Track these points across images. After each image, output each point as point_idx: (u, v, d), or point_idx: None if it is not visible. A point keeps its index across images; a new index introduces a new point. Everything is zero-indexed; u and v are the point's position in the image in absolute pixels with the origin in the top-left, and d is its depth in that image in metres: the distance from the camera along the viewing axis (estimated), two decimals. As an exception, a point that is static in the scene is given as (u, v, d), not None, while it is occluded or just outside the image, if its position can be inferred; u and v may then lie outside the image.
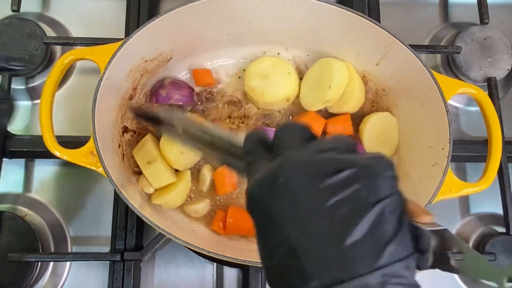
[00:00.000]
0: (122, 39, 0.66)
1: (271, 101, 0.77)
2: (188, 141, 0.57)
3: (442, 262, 0.34)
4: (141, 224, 0.75)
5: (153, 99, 0.76)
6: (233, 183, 0.74)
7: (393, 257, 0.30)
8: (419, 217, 0.33)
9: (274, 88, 0.76)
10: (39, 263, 0.73)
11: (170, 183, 0.72)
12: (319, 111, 0.77)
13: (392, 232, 0.31)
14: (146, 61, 0.72)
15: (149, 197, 0.73)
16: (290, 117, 0.80)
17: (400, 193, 0.33)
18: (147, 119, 0.65)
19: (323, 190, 0.31)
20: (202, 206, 0.72)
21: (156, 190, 0.72)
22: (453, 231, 0.81)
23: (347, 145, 0.35)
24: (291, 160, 0.34)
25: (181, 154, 0.71)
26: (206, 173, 0.75)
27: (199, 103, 0.79)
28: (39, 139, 0.67)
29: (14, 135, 0.78)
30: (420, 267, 0.34)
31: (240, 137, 0.46)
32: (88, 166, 0.63)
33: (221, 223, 0.72)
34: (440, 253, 0.34)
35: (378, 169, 0.32)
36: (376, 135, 0.76)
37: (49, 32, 0.86)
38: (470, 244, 0.79)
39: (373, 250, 0.30)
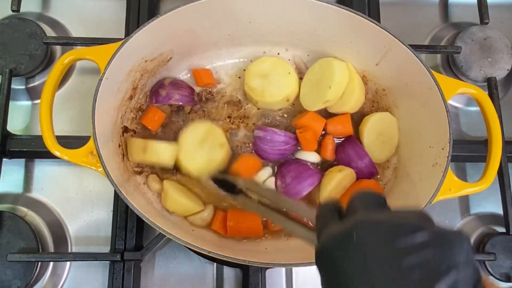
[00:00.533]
0: (122, 39, 0.66)
1: (271, 101, 0.77)
2: (262, 211, 0.61)
3: None
4: (141, 224, 0.75)
5: (153, 99, 0.76)
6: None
7: None
8: None
9: (274, 88, 0.76)
10: (39, 263, 0.73)
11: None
12: (319, 111, 0.77)
13: None
14: (146, 61, 0.72)
15: (152, 196, 0.73)
16: (285, 115, 0.80)
17: (476, 266, 0.33)
18: (224, 186, 0.66)
19: (397, 250, 0.31)
20: (207, 213, 0.72)
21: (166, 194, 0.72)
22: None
23: (423, 215, 0.35)
24: (366, 219, 0.34)
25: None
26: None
27: (199, 103, 0.79)
28: (39, 139, 0.67)
29: (14, 135, 0.78)
30: None
31: (308, 206, 0.50)
32: (88, 166, 0.63)
33: (221, 224, 0.72)
34: None
35: (454, 237, 0.32)
36: (376, 135, 0.75)
37: (49, 32, 0.86)
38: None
39: None
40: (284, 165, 0.75)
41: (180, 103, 0.76)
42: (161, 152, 0.71)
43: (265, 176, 0.75)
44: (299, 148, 0.77)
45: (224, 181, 0.66)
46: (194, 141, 0.72)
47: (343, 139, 0.78)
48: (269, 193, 0.62)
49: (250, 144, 0.78)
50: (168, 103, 0.76)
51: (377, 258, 0.31)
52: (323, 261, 0.35)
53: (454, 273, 0.30)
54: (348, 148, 0.75)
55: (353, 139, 0.76)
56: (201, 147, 0.72)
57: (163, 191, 0.72)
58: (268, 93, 0.76)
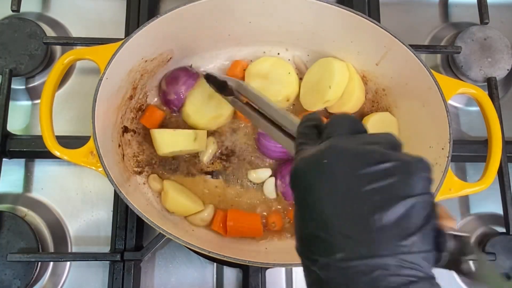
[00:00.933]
0: (122, 39, 0.66)
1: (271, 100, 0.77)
2: (247, 112, 0.65)
3: (455, 265, 0.37)
4: (141, 224, 0.75)
5: (171, 108, 0.77)
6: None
7: (414, 247, 0.33)
8: (444, 220, 0.36)
9: (274, 88, 0.76)
10: (39, 263, 0.73)
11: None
12: (319, 111, 0.77)
13: (418, 226, 0.34)
14: (146, 61, 0.72)
15: (152, 196, 0.73)
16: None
17: (432, 195, 0.36)
18: (216, 84, 0.70)
19: (362, 176, 0.34)
20: (207, 213, 0.72)
21: (167, 194, 0.72)
22: (453, 231, 0.81)
23: (392, 142, 0.38)
24: (338, 145, 0.37)
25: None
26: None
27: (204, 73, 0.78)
28: (39, 139, 0.67)
29: (14, 135, 0.78)
30: (435, 265, 0.37)
31: (293, 117, 0.53)
32: (88, 166, 0.63)
33: (221, 224, 0.72)
34: (456, 257, 0.36)
35: (415, 168, 0.35)
36: None
37: (49, 32, 0.86)
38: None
39: (397, 237, 0.33)
40: (284, 165, 0.75)
41: (191, 88, 0.76)
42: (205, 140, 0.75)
43: (266, 176, 0.75)
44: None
45: (216, 80, 0.70)
46: (202, 97, 0.76)
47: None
48: (257, 98, 0.63)
49: (250, 144, 0.78)
50: (185, 98, 0.76)
51: (343, 183, 0.34)
52: (296, 181, 0.38)
53: (412, 199, 0.33)
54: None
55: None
56: (208, 103, 0.75)
57: (163, 191, 0.72)
58: (268, 93, 0.76)
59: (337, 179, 0.35)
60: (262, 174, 0.75)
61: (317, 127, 0.44)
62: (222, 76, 0.70)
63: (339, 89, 0.74)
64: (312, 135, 0.43)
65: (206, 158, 0.76)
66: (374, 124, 0.76)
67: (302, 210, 0.37)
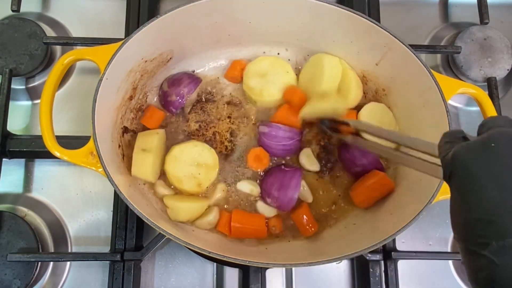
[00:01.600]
0: (122, 39, 0.66)
1: (270, 99, 0.77)
2: (374, 147, 0.67)
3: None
4: (141, 224, 0.75)
5: (170, 109, 0.77)
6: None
7: None
8: None
9: (273, 87, 0.76)
10: (39, 263, 0.73)
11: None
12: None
13: None
14: (146, 61, 0.72)
15: (152, 197, 0.73)
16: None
17: None
18: (334, 124, 0.72)
19: None
20: (213, 216, 0.72)
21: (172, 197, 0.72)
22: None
23: None
24: (506, 131, 0.37)
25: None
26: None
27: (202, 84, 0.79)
28: (39, 139, 0.67)
29: (14, 135, 0.78)
30: None
31: (427, 142, 0.53)
32: (88, 167, 0.63)
33: (226, 225, 0.71)
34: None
35: None
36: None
37: (49, 32, 0.86)
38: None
39: None
40: (264, 181, 0.74)
41: (192, 91, 0.77)
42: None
43: (253, 194, 0.75)
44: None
45: (335, 122, 0.72)
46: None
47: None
48: (378, 130, 0.65)
49: (250, 144, 0.78)
50: (185, 101, 0.76)
51: None
52: (456, 169, 0.38)
53: None
54: (351, 147, 0.75)
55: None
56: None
57: (168, 208, 0.71)
58: (267, 92, 0.76)
59: (508, 163, 0.35)
60: (246, 187, 0.75)
61: (462, 135, 0.44)
62: (340, 118, 0.72)
63: (332, 81, 0.74)
64: (459, 138, 0.43)
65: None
66: (368, 115, 0.76)
67: (465, 196, 0.37)
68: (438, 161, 0.44)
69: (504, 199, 0.34)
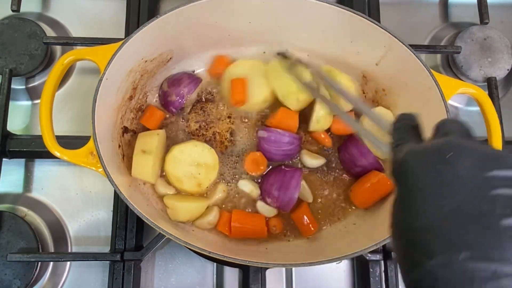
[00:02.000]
0: (122, 39, 0.66)
1: (251, 102, 0.76)
2: (323, 99, 0.65)
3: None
4: (141, 224, 0.75)
5: (170, 109, 0.77)
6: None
7: None
8: None
9: (252, 90, 0.76)
10: (39, 263, 0.73)
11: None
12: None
13: None
14: (146, 61, 0.72)
15: (152, 197, 0.73)
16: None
17: None
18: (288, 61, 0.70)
19: (490, 179, 0.33)
20: (213, 216, 0.72)
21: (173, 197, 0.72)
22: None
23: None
24: (462, 142, 0.35)
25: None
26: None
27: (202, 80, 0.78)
28: (39, 139, 0.67)
29: (14, 135, 0.78)
30: None
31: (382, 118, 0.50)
32: (88, 167, 0.63)
33: (226, 225, 0.71)
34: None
35: None
36: (376, 130, 0.75)
37: (49, 32, 0.86)
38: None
39: None
40: (263, 182, 0.74)
41: (192, 91, 0.76)
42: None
43: (254, 194, 0.75)
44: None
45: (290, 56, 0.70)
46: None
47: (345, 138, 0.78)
48: (333, 85, 0.62)
49: (250, 144, 0.78)
50: (185, 101, 0.76)
51: (469, 181, 0.33)
52: (402, 172, 0.36)
53: None
54: (351, 147, 0.75)
55: (355, 138, 0.76)
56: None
57: (168, 208, 0.71)
58: (249, 95, 0.75)
59: (462, 176, 0.33)
60: (246, 186, 0.75)
61: (415, 125, 0.43)
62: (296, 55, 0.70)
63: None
64: (412, 133, 0.42)
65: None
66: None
67: (411, 202, 0.35)
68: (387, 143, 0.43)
69: (457, 212, 0.32)
